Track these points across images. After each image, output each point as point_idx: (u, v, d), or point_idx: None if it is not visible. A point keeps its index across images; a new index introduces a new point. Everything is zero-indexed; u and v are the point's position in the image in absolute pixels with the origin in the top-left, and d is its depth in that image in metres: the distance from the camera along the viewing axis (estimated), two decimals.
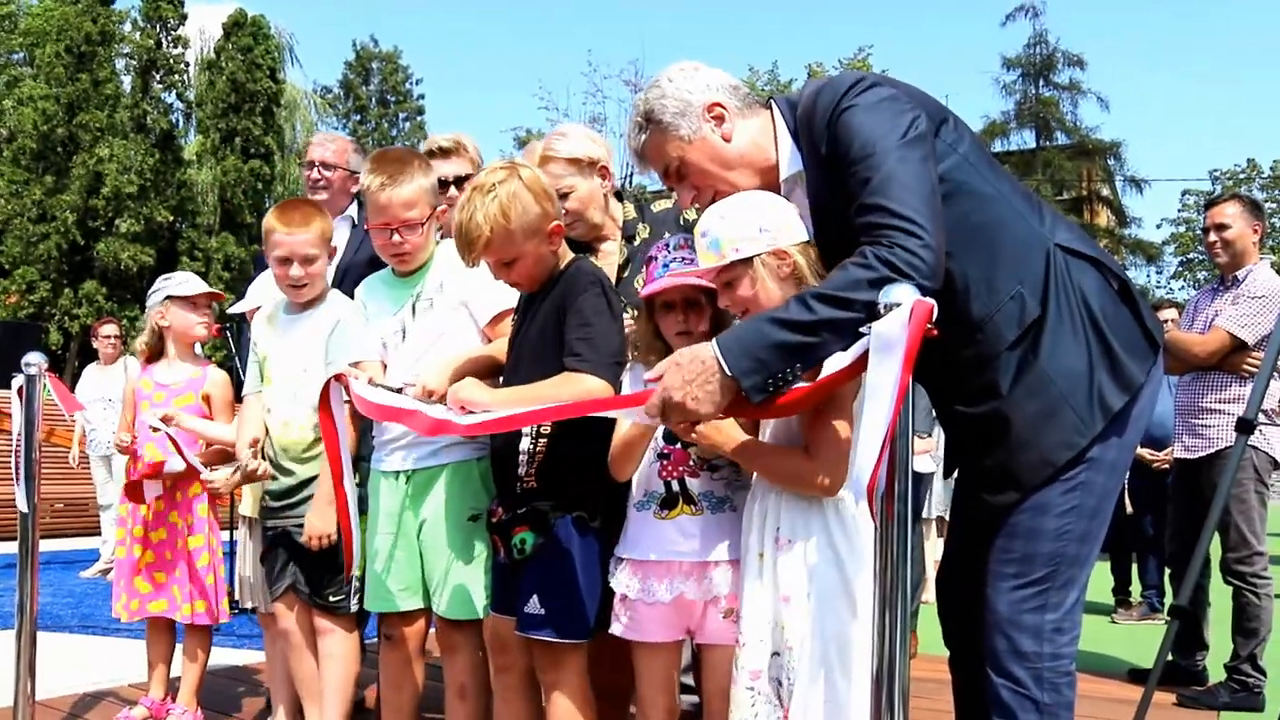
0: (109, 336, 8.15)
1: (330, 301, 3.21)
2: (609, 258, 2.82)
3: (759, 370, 1.85)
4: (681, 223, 2.99)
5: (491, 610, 2.61)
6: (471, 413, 2.31)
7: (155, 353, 3.91)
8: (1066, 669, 2.08)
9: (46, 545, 9.85)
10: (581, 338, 2.36)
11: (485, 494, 2.69)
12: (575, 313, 2.39)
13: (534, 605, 2.38)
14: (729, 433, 2.15)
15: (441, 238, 3.01)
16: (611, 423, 2.35)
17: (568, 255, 2.55)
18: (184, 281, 3.86)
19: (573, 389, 2.31)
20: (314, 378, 2.98)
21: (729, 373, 1.85)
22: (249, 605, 3.60)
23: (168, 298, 3.84)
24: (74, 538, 10.32)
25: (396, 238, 2.80)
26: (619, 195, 2.95)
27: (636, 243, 2.91)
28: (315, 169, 3.94)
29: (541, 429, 2.46)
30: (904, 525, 1.71)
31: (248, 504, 3.43)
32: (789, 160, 2.15)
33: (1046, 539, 2.05)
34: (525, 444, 2.47)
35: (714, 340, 1.90)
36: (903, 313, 1.64)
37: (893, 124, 1.95)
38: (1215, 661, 4.44)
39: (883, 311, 1.67)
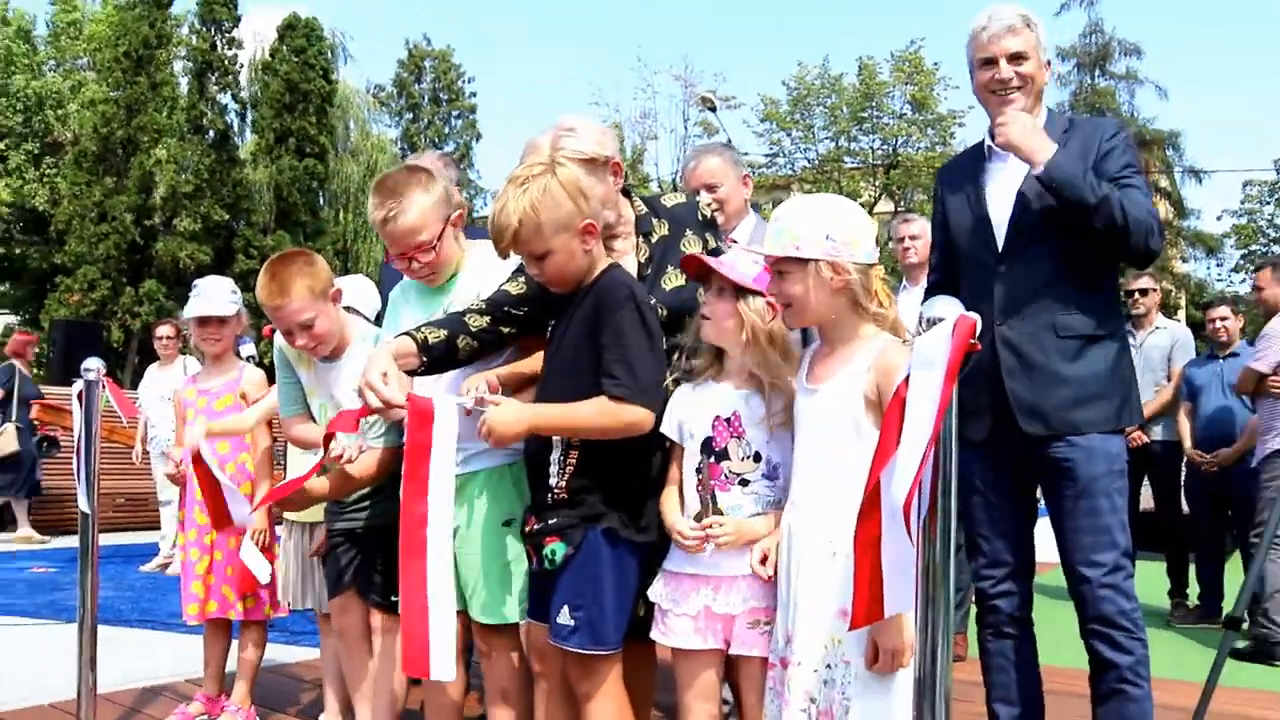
0: (162, 338, 8.34)
1: (359, 342, 3.17)
2: (624, 256, 2.76)
3: (1055, 178, 2.58)
4: (700, 218, 2.92)
5: (529, 618, 2.63)
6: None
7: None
8: None
9: (108, 539, 10.06)
10: (617, 359, 2.36)
11: (519, 499, 2.69)
12: (611, 332, 2.38)
13: (564, 616, 2.39)
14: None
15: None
16: (645, 434, 2.40)
17: (603, 259, 2.54)
18: (195, 299, 3.82)
19: (615, 419, 2.35)
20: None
21: (1046, 161, 2.60)
22: (306, 604, 3.65)
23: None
24: (135, 531, 10.55)
25: (415, 264, 2.80)
26: (626, 192, 2.88)
27: (654, 239, 2.85)
28: None
29: (573, 439, 2.47)
30: (947, 538, 1.71)
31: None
32: (1046, 128, 2.76)
33: None
34: (556, 454, 2.48)
35: (1050, 143, 2.61)
36: (946, 327, 1.63)
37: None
38: None
39: (925, 327, 1.66)
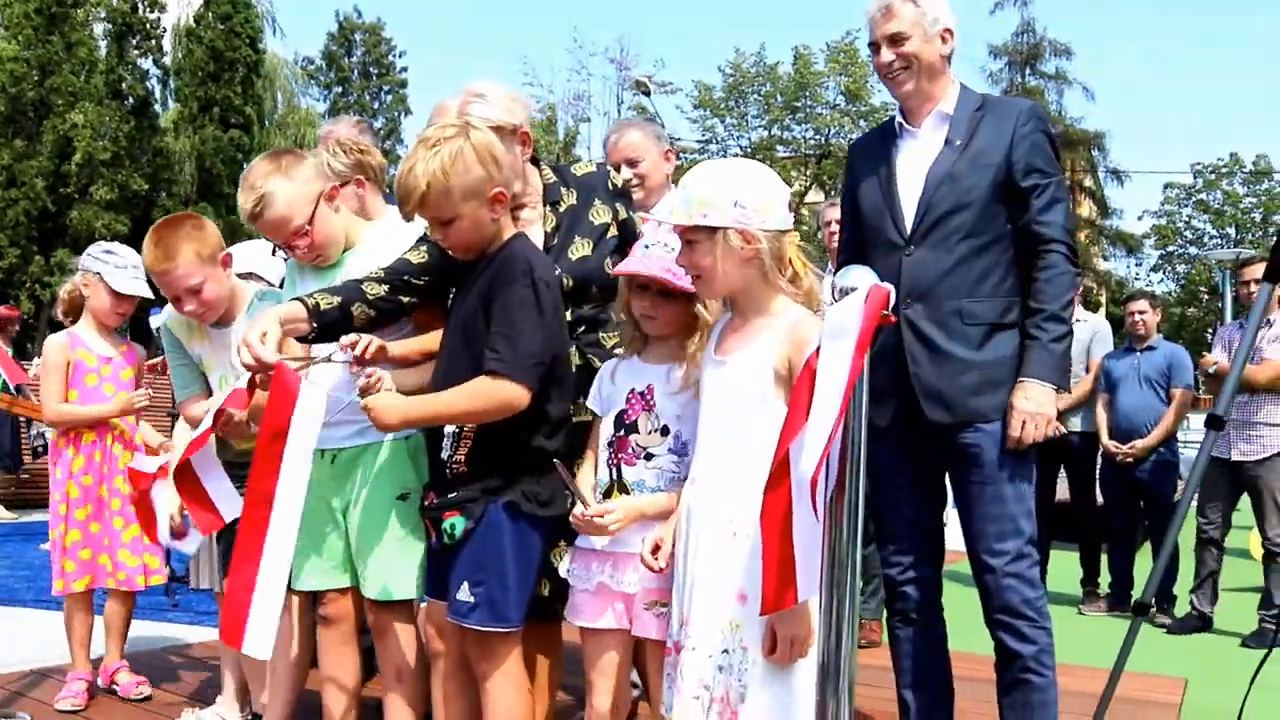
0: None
1: (252, 305, 3.07)
2: (530, 225, 2.70)
3: (1065, 373, 2.69)
4: (610, 187, 2.86)
5: (427, 596, 2.54)
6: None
7: (74, 315, 3.84)
8: None
9: (7, 517, 9.71)
10: (501, 333, 2.28)
11: (415, 472, 2.61)
12: (501, 305, 2.30)
13: (464, 592, 2.31)
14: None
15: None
16: (548, 408, 2.35)
17: (509, 229, 2.45)
18: (120, 270, 3.68)
19: (489, 400, 2.27)
20: None
21: (1058, 387, 2.62)
22: (201, 584, 3.52)
23: (99, 274, 3.71)
24: (38, 510, 10.17)
25: (297, 251, 2.73)
26: (534, 161, 2.82)
27: (563, 209, 2.78)
28: None
29: None
30: (854, 515, 1.65)
31: None
32: (952, 107, 2.72)
33: None
34: (450, 428, 2.39)
35: (1035, 379, 2.56)
36: (859, 297, 1.57)
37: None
38: None
39: (838, 297, 1.60)
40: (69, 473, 3.70)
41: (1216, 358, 6.04)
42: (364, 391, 2.31)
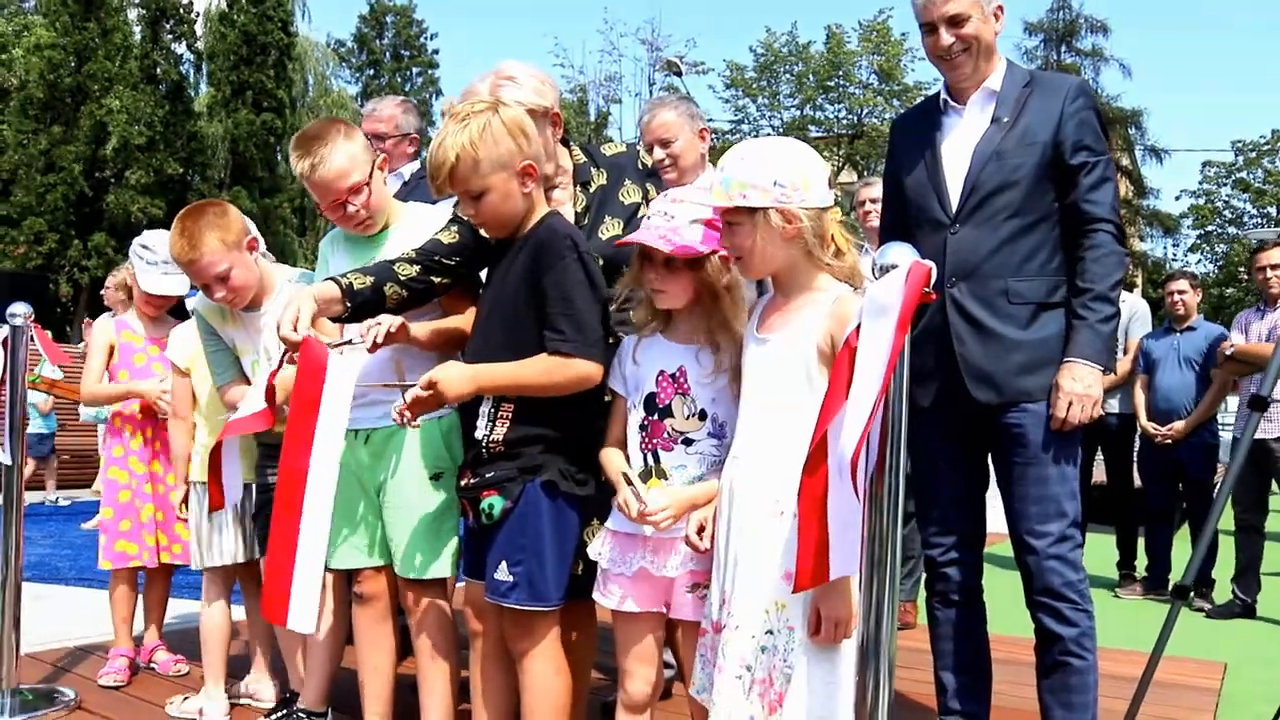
0: (110, 287, 8.11)
1: (283, 287, 3.10)
2: (562, 206, 2.70)
3: (1112, 354, 2.67)
4: (640, 167, 2.85)
5: (465, 576, 2.56)
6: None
7: (129, 299, 3.94)
8: None
9: (50, 497, 9.88)
10: (562, 313, 2.29)
11: (448, 452, 2.63)
12: (554, 284, 2.30)
13: (503, 572, 2.32)
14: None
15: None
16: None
17: (542, 205, 2.45)
18: (150, 266, 3.70)
19: (564, 374, 2.29)
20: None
21: (1104, 369, 2.57)
22: (195, 565, 3.54)
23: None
24: (79, 489, 10.33)
25: (350, 209, 2.73)
26: (565, 141, 2.81)
27: (593, 189, 2.77)
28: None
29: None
30: (895, 495, 1.64)
31: (196, 469, 3.35)
32: (999, 83, 2.68)
33: None
34: (486, 406, 2.39)
35: (1082, 360, 2.54)
36: (899, 274, 1.55)
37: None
38: None
39: (878, 275, 1.58)
40: (129, 449, 3.78)
41: (1235, 341, 5.95)
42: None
